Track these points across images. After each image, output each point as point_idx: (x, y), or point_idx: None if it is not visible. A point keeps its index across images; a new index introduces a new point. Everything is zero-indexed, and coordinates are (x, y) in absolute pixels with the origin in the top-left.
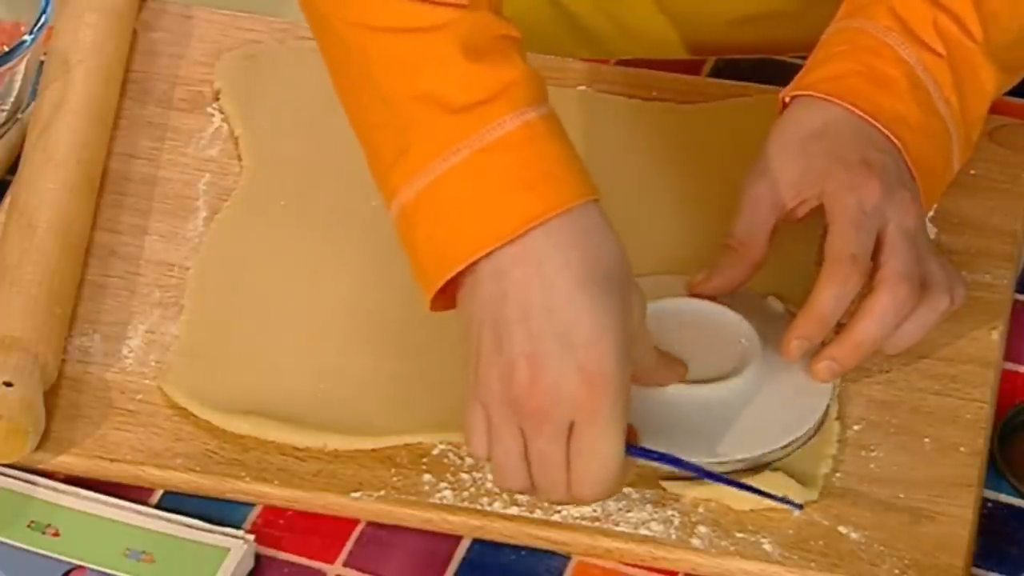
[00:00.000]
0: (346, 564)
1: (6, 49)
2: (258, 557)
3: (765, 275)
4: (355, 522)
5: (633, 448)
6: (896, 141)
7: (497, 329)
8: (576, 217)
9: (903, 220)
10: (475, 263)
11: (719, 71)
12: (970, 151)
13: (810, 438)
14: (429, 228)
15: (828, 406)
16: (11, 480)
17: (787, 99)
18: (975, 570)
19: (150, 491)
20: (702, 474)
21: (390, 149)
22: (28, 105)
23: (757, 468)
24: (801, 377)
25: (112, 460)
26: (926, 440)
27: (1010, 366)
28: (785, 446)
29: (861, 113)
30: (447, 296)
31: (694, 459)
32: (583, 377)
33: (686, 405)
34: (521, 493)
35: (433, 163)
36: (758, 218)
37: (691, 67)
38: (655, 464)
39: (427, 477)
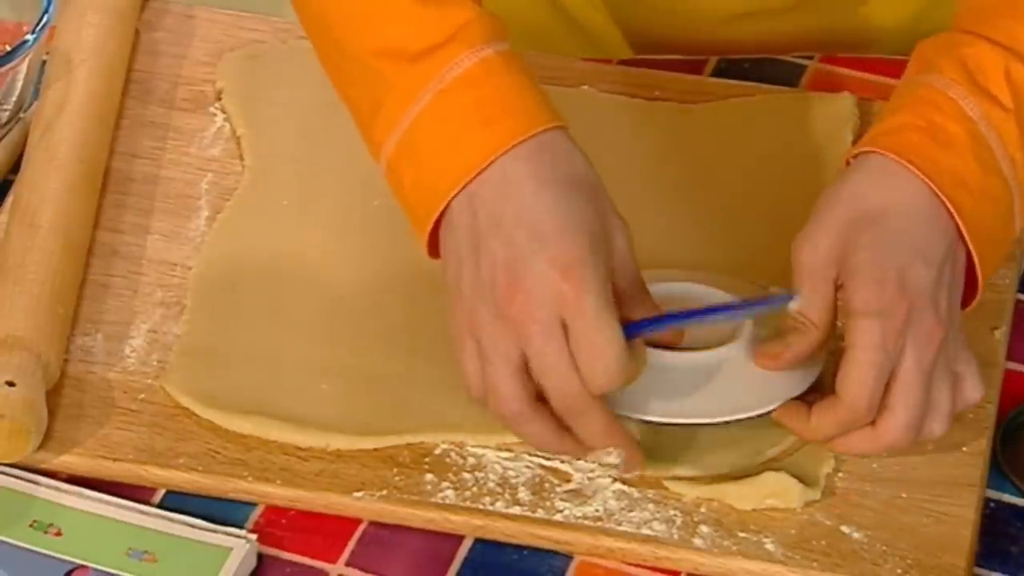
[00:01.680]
0: (348, 564)
1: (8, 49)
2: (260, 557)
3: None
4: (357, 522)
5: (632, 325)
6: (953, 212)
7: (475, 252)
8: (540, 141)
9: (923, 355)
10: (450, 203)
11: (721, 71)
12: None
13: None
14: (412, 175)
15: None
16: (13, 480)
17: (850, 159)
18: (977, 570)
19: (152, 491)
20: (707, 312)
21: (367, 106)
22: (30, 105)
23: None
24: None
25: (114, 459)
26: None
27: (1012, 366)
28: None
29: (919, 174)
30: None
31: (690, 418)
32: (558, 269)
33: (679, 370)
34: (527, 422)
35: (405, 112)
36: (820, 291)
37: (693, 67)
38: (660, 331)
39: (429, 477)
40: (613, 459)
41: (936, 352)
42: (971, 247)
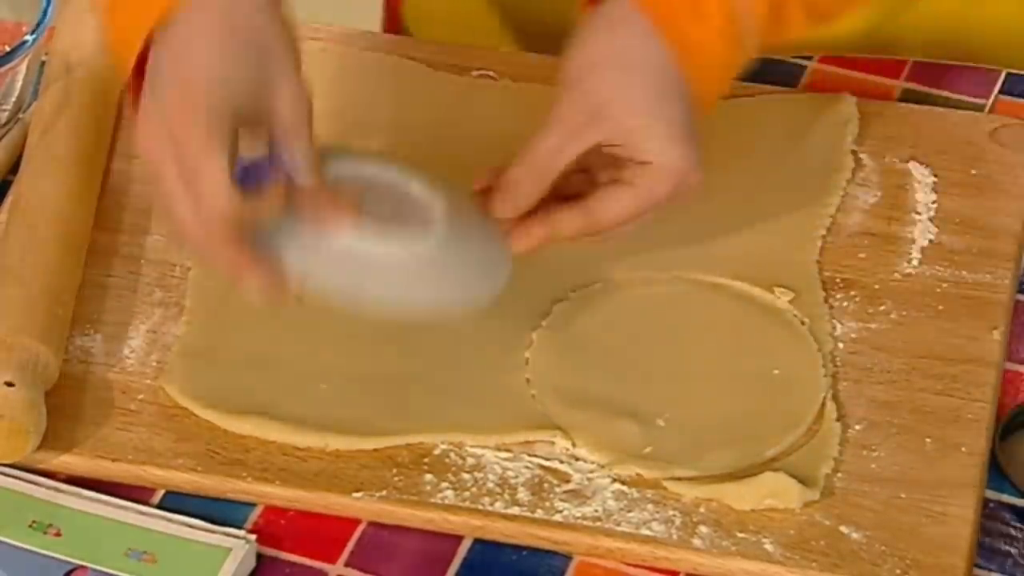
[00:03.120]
0: (348, 564)
1: (8, 49)
2: (260, 557)
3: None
4: (357, 522)
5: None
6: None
7: (153, 81)
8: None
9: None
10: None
11: None
12: (821, 19)
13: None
14: (120, 22)
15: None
16: (12, 480)
17: None
18: (977, 570)
19: (151, 491)
20: None
21: None
22: (29, 105)
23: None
24: (488, 244)
25: (113, 460)
26: (927, 440)
27: (1011, 366)
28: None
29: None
30: None
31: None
32: (180, 91)
33: (370, 256)
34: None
35: None
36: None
37: None
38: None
39: (428, 477)
40: (254, 291)
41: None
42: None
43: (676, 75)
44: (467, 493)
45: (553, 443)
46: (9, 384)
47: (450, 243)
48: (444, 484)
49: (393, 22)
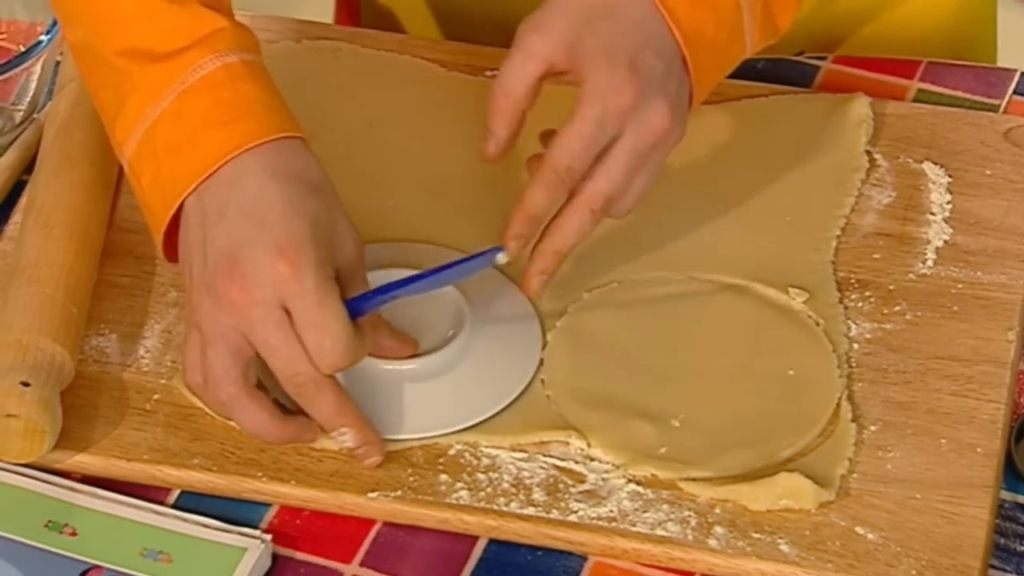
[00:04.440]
0: (363, 564)
1: (22, 49)
2: (275, 557)
3: None
4: (372, 522)
5: (354, 301)
6: (667, 14)
7: (202, 245)
8: (278, 145)
9: (639, 139)
10: (184, 202)
11: (735, 71)
12: (775, 34)
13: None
14: (150, 174)
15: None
16: (28, 480)
17: None
18: (992, 571)
19: (167, 491)
20: (419, 279)
21: (112, 106)
22: (44, 105)
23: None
24: (512, 341)
25: (129, 460)
26: (943, 441)
27: None
28: (497, 413)
29: None
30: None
31: (412, 434)
32: (278, 252)
33: (392, 382)
34: (243, 407)
35: (146, 111)
36: (527, 71)
37: None
38: (385, 302)
39: (443, 477)
40: (349, 441)
41: (654, 142)
42: (682, 45)
43: (660, 30)
44: (482, 493)
45: (568, 443)
46: (25, 384)
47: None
48: (459, 484)
49: (349, 13)
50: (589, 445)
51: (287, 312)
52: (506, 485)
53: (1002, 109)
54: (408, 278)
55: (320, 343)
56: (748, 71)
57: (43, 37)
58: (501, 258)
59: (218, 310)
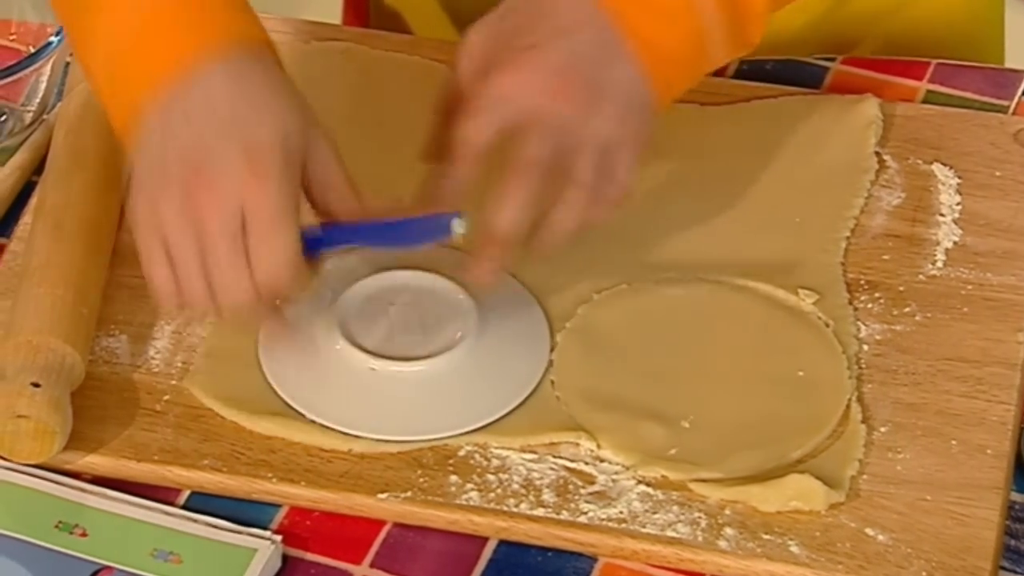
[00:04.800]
0: (372, 565)
1: (32, 50)
2: (285, 558)
3: None
4: (382, 523)
5: (309, 237)
6: (609, 11)
7: (163, 145)
8: (247, 51)
9: (543, 145)
10: (140, 106)
11: (743, 72)
12: (747, 46)
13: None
14: (108, 74)
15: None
16: (39, 480)
17: None
18: (1002, 572)
19: (177, 491)
20: (378, 230)
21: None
22: (54, 106)
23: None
24: (521, 342)
25: (139, 460)
26: (953, 442)
27: None
28: (506, 414)
29: None
30: None
31: (422, 435)
32: (246, 154)
33: (402, 383)
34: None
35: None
36: (471, 65)
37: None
38: (339, 246)
39: (453, 478)
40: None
41: (573, 147)
42: (644, 62)
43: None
44: (492, 494)
45: (578, 445)
46: (35, 385)
47: (475, 358)
48: (469, 485)
49: (358, 13)
50: (599, 446)
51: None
52: (516, 486)
53: (1011, 110)
54: (366, 225)
55: (263, 262)
56: (757, 72)
57: (53, 38)
58: (457, 226)
59: (183, 216)
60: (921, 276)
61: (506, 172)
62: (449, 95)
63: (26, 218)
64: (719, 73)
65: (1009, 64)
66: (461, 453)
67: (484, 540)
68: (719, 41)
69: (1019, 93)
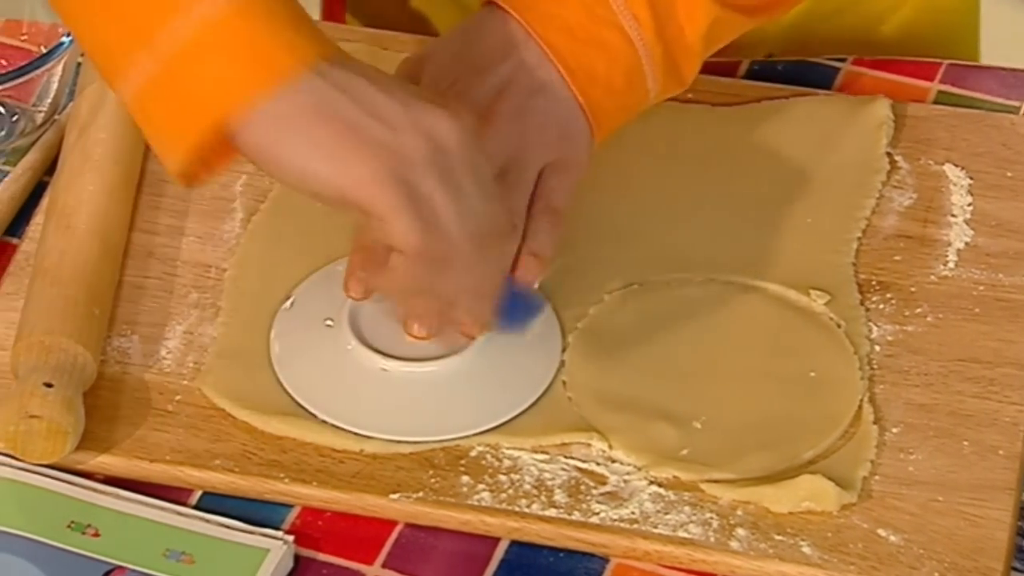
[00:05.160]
0: (384, 565)
1: (44, 51)
2: (297, 558)
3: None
4: (393, 524)
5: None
6: (545, 48)
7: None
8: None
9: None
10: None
11: (754, 73)
12: (680, 84)
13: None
14: (210, 69)
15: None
16: (51, 480)
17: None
18: (1014, 573)
19: (189, 492)
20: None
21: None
22: (66, 107)
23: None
24: (533, 343)
25: (151, 461)
26: (965, 443)
27: None
28: (518, 415)
29: (521, 21)
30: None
31: (434, 436)
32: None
33: (414, 384)
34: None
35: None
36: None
37: (727, 69)
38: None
39: (465, 479)
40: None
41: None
42: (574, 89)
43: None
44: (504, 495)
45: (590, 445)
46: (47, 385)
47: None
48: (481, 486)
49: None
50: (611, 447)
51: None
52: (528, 487)
53: (1023, 111)
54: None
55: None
56: (767, 73)
57: (64, 39)
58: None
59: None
60: (933, 277)
61: None
62: None
63: (38, 218)
64: (729, 73)
65: (985, 60)
66: (473, 454)
67: (496, 540)
68: (655, 76)
69: None
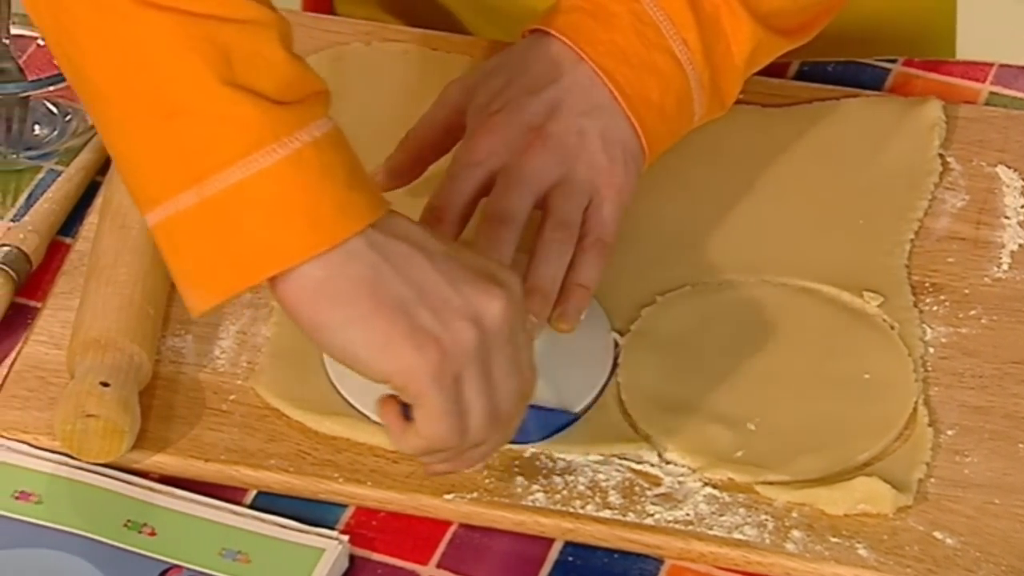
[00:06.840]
0: (439, 566)
1: None
2: (352, 558)
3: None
4: (448, 524)
5: None
6: (602, 75)
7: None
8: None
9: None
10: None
11: (804, 74)
12: (722, 107)
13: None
14: (255, 220)
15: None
16: (107, 479)
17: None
18: None
19: (244, 491)
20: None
21: (188, 139)
22: None
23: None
24: (583, 347)
25: (206, 460)
26: (1020, 446)
27: None
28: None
29: (572, 45)
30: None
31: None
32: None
33: None
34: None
35: (260, 151)
36: (441, 111)
37: (776, 70)
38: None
39: (519, 479)
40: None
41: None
42: (628, 111)
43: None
44: (558, 496)
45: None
46: (104, 384)
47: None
48: (535, 487)
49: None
50: (660, 455)
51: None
52: (582, 488)
53: None
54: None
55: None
56: (818, 74)
57: None
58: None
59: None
60: (986, 279)
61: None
62: (423, 127)
63: (91, 218)
64: (779, 74)
65: (961, 56)
66: (527, 455)
67: (550, 541)
68: (702, 100)
69: None
